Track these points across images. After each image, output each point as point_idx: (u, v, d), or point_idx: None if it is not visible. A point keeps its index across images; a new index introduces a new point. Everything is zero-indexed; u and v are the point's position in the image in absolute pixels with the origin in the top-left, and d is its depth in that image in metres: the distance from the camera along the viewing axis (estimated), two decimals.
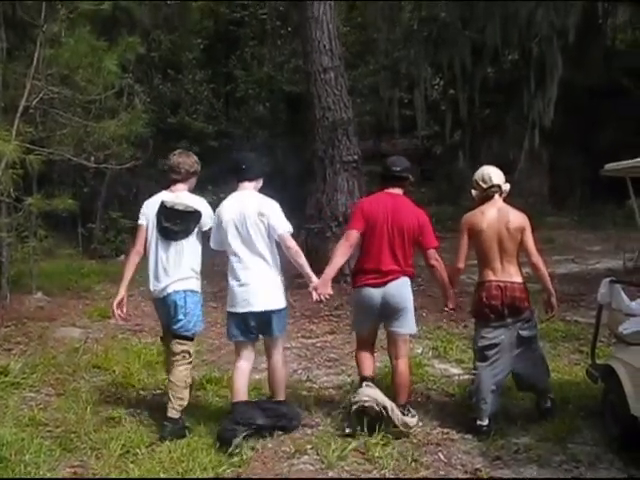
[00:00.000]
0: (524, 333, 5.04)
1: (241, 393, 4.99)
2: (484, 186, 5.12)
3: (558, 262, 13.94)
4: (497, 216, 5.03)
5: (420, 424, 5.09)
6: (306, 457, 4.59)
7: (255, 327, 4.96)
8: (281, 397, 5.13)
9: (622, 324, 4.70)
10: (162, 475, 4.23)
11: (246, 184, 5.10)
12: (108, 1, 9.15)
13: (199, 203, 5.19)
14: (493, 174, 5.14)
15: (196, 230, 5.14)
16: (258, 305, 4.87)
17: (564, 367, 6.53)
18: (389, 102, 17.36)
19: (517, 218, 5.08)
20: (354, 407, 4.88)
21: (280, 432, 4.98)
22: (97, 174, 15.90)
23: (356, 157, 11.42)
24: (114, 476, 4.29)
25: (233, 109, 20.65)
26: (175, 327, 5.12)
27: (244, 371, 5.06)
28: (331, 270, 5.13)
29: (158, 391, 5.97)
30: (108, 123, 9.56)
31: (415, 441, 4.80)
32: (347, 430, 4.89)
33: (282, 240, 4.94)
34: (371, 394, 4.91)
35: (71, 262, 14.22)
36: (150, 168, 18.94)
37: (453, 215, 20.10)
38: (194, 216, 5.11)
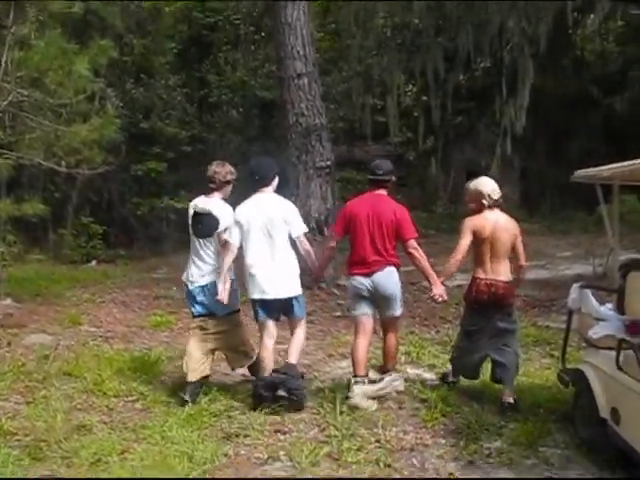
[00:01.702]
0: (501, 325, 5.69)
1: (268, 369, 5.75)
2: (495, 198, 5.73)
3: (529, 268, 13.98)
4: (496, 222, 5.67)
5: (394, 429, 5.10)
6: (279, 463, 4.57)
7: (277, 310, 5.76)
8: (292, 360, 5.75)
9: (592, 328, 4.74)
10: None
11: (265, 189, 5.81)
12: (80, 0, 9.01)
13: (218, 208, 5.88)
14: (497, 187, 5.79)
15: (218, 230, 5.85)
16: (280, 292, 5.64)
17: (535, 371, 6.58)
18: (362, 108, 17.42)
19: (511, 225, 5.76)
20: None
21: (250, 438, 4.99)
22: (68, 179, 15.73)
23: (329, 163, 11.41)
24: None
25: (206, 114, 20.57)
26: (215, 309, 5.90)
27: (268, 347, 5.79)
28: (320, 269, 6.30)
29: (130, 398, 5.89)
30: (79, 127, 9.41)
31: (389, 446, 4.79)
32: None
33: (298, 240, 5.78)
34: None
35: (41, 268, 14.04)
36: (123, 173, 18.80)
37: (427, 222, 20.23)
38: (210, 218, 5.85)
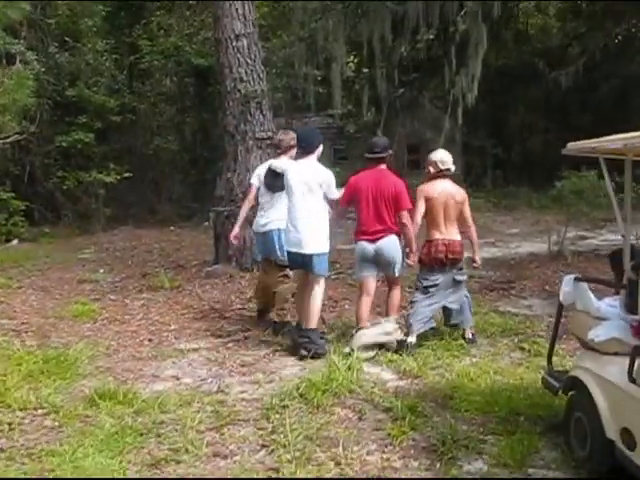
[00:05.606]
0: (457, 277, 6.63)
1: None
2: (442, 167, 6.59)
3: (480, 246, 13.44)
4: (445, 189, 6.53)
5: (355, 449, 4.29)
6: None
7: (302, 263, 6.40)
8: (310, 324, 6.33)
9: (592, 330, 3.99)
10: None
11: (309, 156, 6.48)
12: None
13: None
14: (448, 158, 6.63)
15: None
16: (306, 248, 6.27)
17: (507, 368, 5.86)
18: (305, 78, 16.47)
19: (460, 192, 6.66)
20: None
21: None
22: None
23: (270, 134, 10.43)
24: None
25: (137, 82, 19.37)
26: (275, 257, 7.02)
27: (303, 294, 6.49)
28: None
29: (40, 411, 4.91)
30: None
31: (351, 473, 3.98)
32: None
33: (332, 203, 6.54)
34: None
35: None
36: (46, 145, 17.52)
37: None
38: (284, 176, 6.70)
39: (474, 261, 6.91)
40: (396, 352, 6.25)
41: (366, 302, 6.60)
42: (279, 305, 7.14)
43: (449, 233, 6.49)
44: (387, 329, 6.41)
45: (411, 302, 6.72)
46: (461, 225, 6.67)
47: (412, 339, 6.37)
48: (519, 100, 26.35)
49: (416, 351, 6.25)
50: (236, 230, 7.34)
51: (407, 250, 6.58)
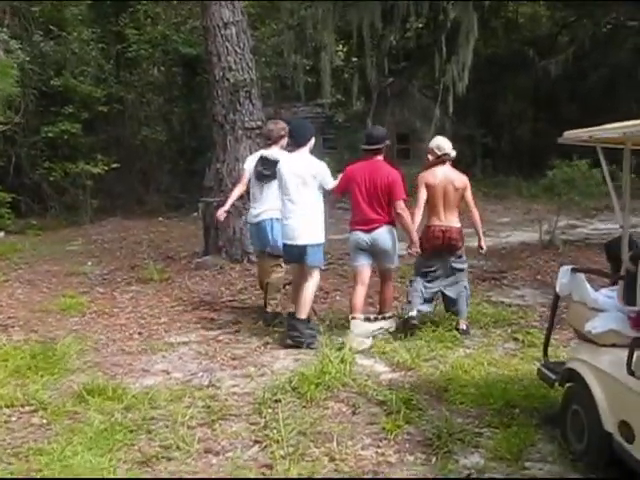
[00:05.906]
0: (455, 265, 6.70)
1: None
2: (439, 153, 6.59)
3: (470, 236, 13.39)
4: (445, 176, 6.54)
5: (350, 444, 4.22)
6: None
7: (297, 255, 6.33)
8: (301, 315, 6.30)
9: (589, 321, 3.93)
10: None
11: (301, 149, 6.43)
12: None
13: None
14: (446, 144, 6.63)
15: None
16: (300, 239, 6.24)
17: (501, 359, 5.81)
18: (294, 67, 16.31)
19: (460, 178, 6.65)
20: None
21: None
22: None
23: (260, 123, 10.30)
24: None
25: (125, 71, 19.16)
26: (268, 248, 6.95)
27: (299, 286, 6.43)
28: None
29: (27, 409, 4.81)
30: None
31: (347, 469, 3.91)
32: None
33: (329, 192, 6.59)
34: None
35: None
36: (32, 135, 17.32)
37: None
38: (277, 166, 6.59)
39: (480, 247, 6.89)
40: (404, 324, 6.52)
41: (360, 291, 6.57)
42: (271, 295, 7.08)
43: (447, 220, 6.53)
44: (384, 326, 6.53)
45: (410, 281, 6.82)
46: (463, 211, 6.74)
47: (413, 312, 6.46)
48: (508, 89, 26.30)
49: (414, 335, 6.38)
50: (226, 207, 7.23)
51: (408, 241, 6.53)
